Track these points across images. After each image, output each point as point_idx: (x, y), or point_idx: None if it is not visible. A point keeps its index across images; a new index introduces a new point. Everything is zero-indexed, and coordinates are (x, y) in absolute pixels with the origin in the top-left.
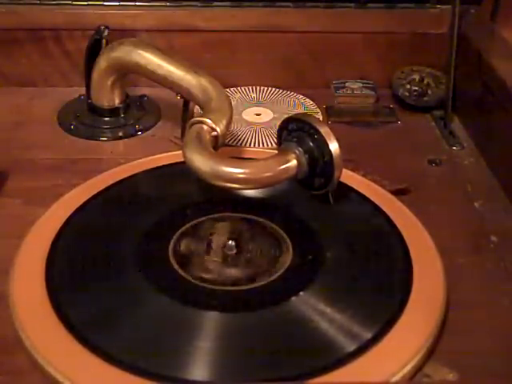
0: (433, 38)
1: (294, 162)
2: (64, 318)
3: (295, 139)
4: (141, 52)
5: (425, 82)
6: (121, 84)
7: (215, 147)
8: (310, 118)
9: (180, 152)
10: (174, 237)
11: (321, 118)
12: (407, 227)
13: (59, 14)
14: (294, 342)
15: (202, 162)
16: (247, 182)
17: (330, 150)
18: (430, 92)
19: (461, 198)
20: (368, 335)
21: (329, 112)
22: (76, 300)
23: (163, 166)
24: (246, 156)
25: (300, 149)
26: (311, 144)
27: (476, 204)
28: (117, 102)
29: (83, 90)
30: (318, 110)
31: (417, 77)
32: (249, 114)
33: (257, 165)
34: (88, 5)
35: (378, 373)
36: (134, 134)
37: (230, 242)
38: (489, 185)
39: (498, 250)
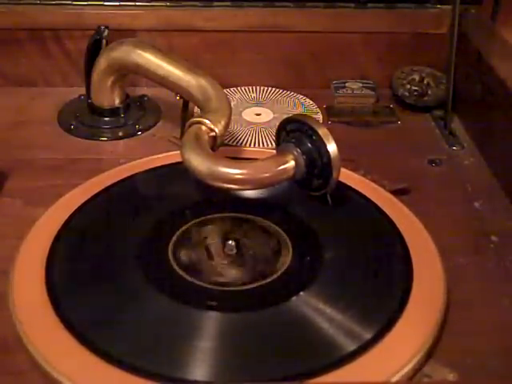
0: (433, 38)
1: (292, 163)
2: (64, 318)
3: (293, 140)
4: (140, 52)
5: (425, 81)
6: (121, 84)
7: (213, 148)
8: (309, 118)
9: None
10: (174, 237)
11: (321, 118)
12: (407, 227)
13: (59, 13)
14: (294, 342)
15: (199, 163)
16: (244, 183)
17: (328, 152)
18: (430, 92)
19: (461, 198)
20: (368, 335)
21: (329, 112)
22: (76, 300)
23: (163, 166)
24: (245, 156)
25: (298, 150)
26: (309, 145)
27: (476, 204)
28: (117, 102)
29: (83, 90)
30: (318, 110)
31: (417, 77)
32: (249, 114)
33: (254, 165)
34: (88, 5)
35: (378, 373)
36: (134, 134)
37: (230, 242)
38: (489, 185)
39: (498, 249)
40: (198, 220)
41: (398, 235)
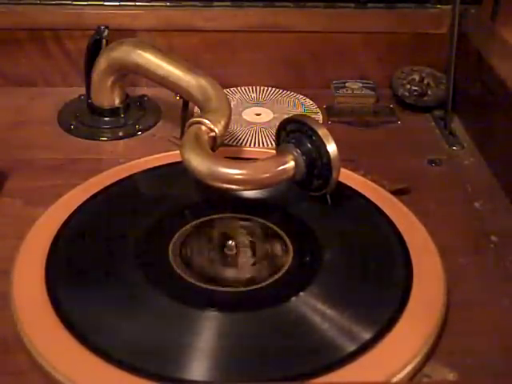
0: (433, 38)
1: (291, 164)
2: (64, 318)
3: (293, 140)
4: (140, 52)
5: (425, 82)
6: (121, 84)
7: (213, 148)
8: (308, 119)
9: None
10: (174, 237)
11: (321, 118)
12: (407, 227)
13: (59, 13)
14: (294, 342)
15: (199, 163)
16: (244, 183)
17: (327, 152)
18: (430, 92)
19: (461, 198)
20: (368, 335)
21: (329, 112)
22: (76, 300)
23: (163, 165)
24: (245, 156)
25: (298, 150)
26: (309, 145)
27: (476, 204)
28: (117, 102)
29: (83, 90)
30: (318, 110)
31: (417, 77)
32: (249, 114)
33: (254, 166)
34: (88, 5)
35: (378, 373)
36: (134, 134)
37: (230, 242)
38: (489, 185)
39: (498, 249)
40: (197, 220)
41: (398, 235)
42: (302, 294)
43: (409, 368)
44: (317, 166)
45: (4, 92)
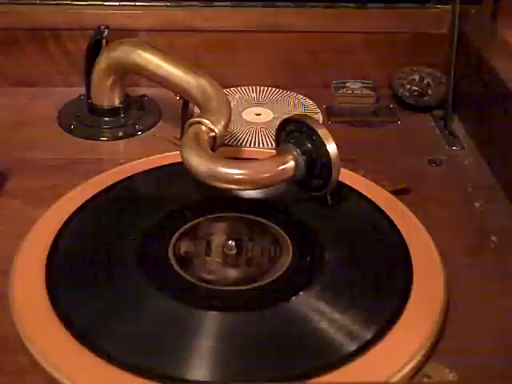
0: (433, 37)
1: (291, 164)
2: (64, 317)
3: (293, 140)
4: (140, 52)
5: (425, 82)
6: (121, 84)
7: (213, 148)
8: (308, 119)
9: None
10: (174, 237)
11: (321, 118)
12: (407, 227)
13: (59, 13)
14: (294, 342)
15: (199, 163)
16: (244, 183)
17: (327, 152)
18: (430, 92)
19: (461, 198)
20: (368, 335)
21: (329, 112)
22: (76, 300)
23: (163, 166)
24: (245, 156)
25: (298, 150)
26: (309, 145)
27: (476, 204)
28: (117, 102)
29: (83, 90)
30: (318, 110)
31: (417, 77)
32: (249, 114)
33: (254, 166)
34: (88, 5)
35: (378, 373)
36: (134, 134)
37: (230, 242)
38: (489, 185)
39: (498, 249)
40: (197, 220)
41: (398, 235)
42: (302, 293)
43: (409, 368)
44: (317, 165)
45: (4, 92)
